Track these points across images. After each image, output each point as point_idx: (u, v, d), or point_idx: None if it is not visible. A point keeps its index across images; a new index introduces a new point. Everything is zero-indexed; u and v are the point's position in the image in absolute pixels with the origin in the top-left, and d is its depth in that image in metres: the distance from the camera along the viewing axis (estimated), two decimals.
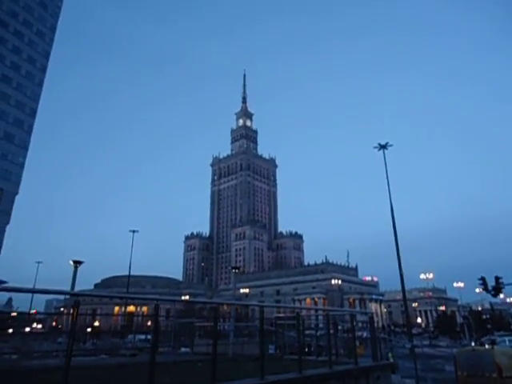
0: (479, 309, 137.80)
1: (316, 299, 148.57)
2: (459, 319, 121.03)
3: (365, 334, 44.81)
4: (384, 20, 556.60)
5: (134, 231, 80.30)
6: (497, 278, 38.77)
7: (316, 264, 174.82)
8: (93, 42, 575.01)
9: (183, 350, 22.18)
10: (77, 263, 18.24)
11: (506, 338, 55.56)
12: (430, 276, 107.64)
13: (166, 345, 23.50)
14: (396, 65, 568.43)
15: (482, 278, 39.61)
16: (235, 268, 44.09)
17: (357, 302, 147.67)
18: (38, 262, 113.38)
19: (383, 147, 61.37)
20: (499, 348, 18.15)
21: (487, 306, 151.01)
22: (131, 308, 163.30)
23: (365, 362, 13.06)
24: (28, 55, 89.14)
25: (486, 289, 39.48)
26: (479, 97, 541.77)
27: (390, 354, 26.35)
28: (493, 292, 39.08)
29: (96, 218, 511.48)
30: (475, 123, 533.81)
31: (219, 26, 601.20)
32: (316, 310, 27.65)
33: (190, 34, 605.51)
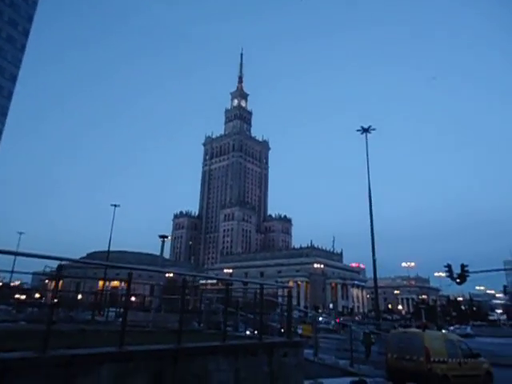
0: (460, 299, 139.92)
1: (299, 282, 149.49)
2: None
3: (321, 319, 44.68)
4: (383, 13, 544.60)
5: (115, 205, 79.42)
6: (462, 266, 38.38)
7: (301, 248, 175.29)
8: (83, 25, 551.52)
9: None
10: None
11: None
12: (412, 264, 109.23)
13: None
14: (390, 57, 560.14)
15: (448, 266, 39.20)
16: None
17: (339, 286, 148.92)
18: (20, 233, 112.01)
19: (366, 130, 60.38)
20: (431, 332, 17.55)
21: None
22: (115, 283, 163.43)
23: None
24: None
25: (451, 276, 39.13)
26: (471, 90, 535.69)
27: (372, 337, 25.90)
28: (458, 280, 38.74)
29: (91, 195, 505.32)
30: (467, 118, 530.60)
31: (218, 9, 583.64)
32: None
33: (188, 16, 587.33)
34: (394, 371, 15.89)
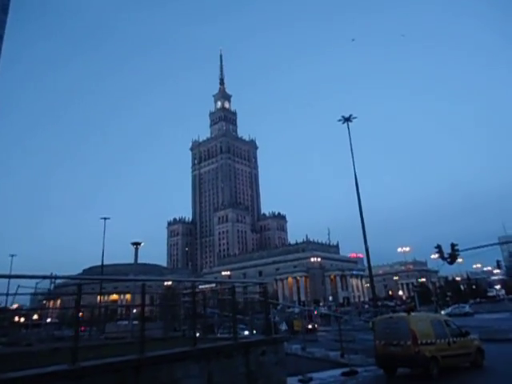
0: (458, 279, 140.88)
1: (298, 278, 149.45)
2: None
3: (322, 310, 44.47)
4: None
5: (105, 218, 78.55)
6: (452, 245, 38.41)
7: (297, 243, 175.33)
8: (54, 44, 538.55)
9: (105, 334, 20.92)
10: None
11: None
12: (407, 249, 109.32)
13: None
14: (378, 39, 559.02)
15: (438, 246, 39.24)
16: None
17: (338, 278, 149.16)
18: (12, 255, 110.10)
19: (347, 120, 60.40)
20: (416, 314, 17.29)
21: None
22: (114, 296, 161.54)
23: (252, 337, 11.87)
24: None
25: (442, 256, 39.13)
26: (468, 68, 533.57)
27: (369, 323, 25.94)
28: (449, 259, 38.71)
29: (82, 211, 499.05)
30: (462, 103, 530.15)
31: (191, 13, 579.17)
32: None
33: (164, 19, 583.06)
34: (383, 358, 15.58)
